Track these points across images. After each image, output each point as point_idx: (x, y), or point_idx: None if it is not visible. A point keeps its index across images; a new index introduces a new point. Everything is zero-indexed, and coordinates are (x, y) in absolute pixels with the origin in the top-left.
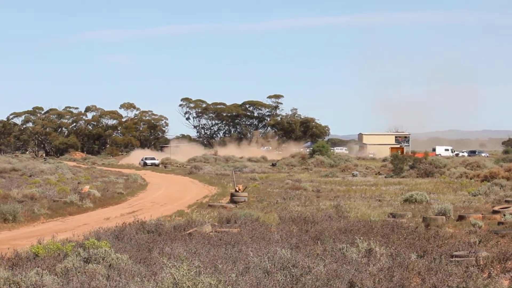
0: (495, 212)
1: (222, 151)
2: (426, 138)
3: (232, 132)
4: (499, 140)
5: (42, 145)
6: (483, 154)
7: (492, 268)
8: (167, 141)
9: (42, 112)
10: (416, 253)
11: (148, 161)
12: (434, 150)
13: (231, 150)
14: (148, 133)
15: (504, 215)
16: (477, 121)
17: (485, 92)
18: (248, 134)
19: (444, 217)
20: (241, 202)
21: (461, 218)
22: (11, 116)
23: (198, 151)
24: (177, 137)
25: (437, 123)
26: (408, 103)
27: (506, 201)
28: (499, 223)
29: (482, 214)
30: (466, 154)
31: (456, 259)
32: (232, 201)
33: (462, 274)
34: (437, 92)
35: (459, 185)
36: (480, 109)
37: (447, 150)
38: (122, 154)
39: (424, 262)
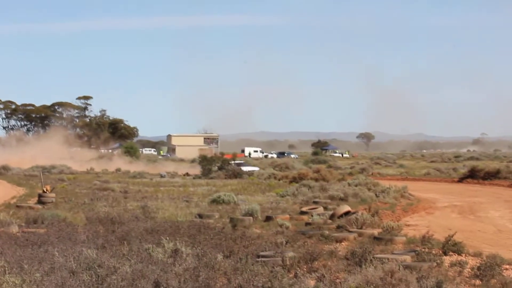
0: (303, 213)
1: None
2: (236, 140)
3: (41, 133)
4: (308, 142)
5: None
6: (292, 156)
7: (298, 268)
8: None
9: None
10: (222, 253)
11: (245, 168)
12: (243, 151)
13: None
14: None
15: (312, 215)
16: (288, 122)
17: (297, 94)
18: (57, 135)
19: (251, 217)
20: (49, 202)
21: (268, 218)
22: None
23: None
24: None
25: (249, 125)
26: (221, 105)
27: (314, 202)
28: (307, 223)
29: (289, 215)
30: (275, 156)
31: (263, 259)
32: (40, 201)
33: (268, 274)
34: (253, 94)
35: (268, 186)
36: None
37: (256, 151)
38: None
39: (231, 262)
